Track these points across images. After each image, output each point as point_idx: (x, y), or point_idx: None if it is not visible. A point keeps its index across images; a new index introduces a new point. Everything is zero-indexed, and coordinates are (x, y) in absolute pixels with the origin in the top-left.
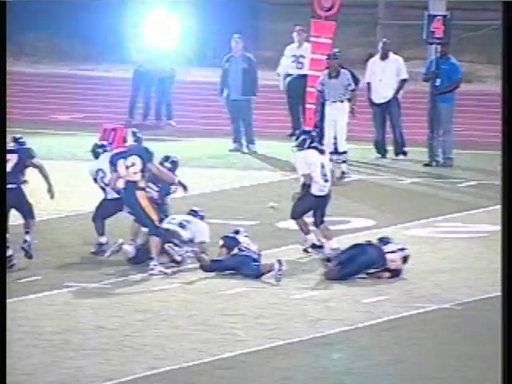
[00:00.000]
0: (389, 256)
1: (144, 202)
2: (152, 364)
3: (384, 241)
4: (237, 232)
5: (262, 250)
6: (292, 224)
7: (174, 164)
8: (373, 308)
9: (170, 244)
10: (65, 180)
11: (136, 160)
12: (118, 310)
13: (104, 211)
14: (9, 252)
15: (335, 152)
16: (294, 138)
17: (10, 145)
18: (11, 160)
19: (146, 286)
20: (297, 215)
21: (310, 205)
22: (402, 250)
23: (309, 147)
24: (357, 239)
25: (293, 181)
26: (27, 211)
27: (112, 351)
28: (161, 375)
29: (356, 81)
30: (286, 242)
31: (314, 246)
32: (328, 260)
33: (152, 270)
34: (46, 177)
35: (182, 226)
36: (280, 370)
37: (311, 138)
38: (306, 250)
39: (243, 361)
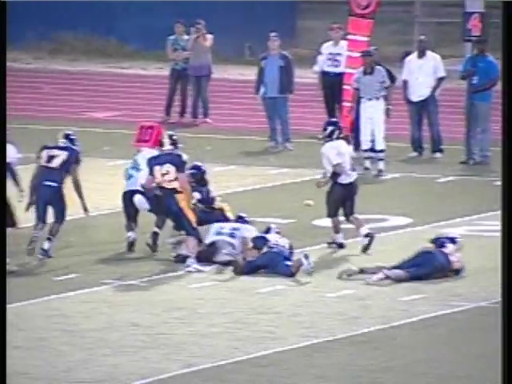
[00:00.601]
0: (452, 258)
1: (183, 205)
2: (188, 361)
3: (440, 242)
4: (268, 229)
5: (298, 247)
6: (328, 222)
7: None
8: (410, 306)
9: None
10: (101, 177)
11: (170, 169)
12: (154, 307)
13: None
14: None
15: (373, 150)
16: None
17: (61, 141)
18: (60, 156)
19: (183, 284)
20: (333, 211)
21: (339, 195)
22: (455, 241)
23: (337, 138)
24: (394, 237)
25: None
26: (60, 212)
27: (148, 349)
28: (197, 373)
29: (392, 78)
30: (322, 240)
31: (340, 246)
32: (361, 272)
33: (188, 266)
34: (79, 193)
35: (232, 235)
36: (316, 368)
37: (339, 128)
38: (341, 245)
39: (279, 359)
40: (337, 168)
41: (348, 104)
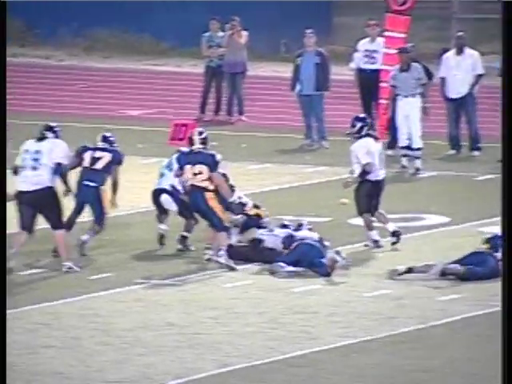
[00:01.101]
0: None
1: (212, 203)
2: (223, 361)
3: (494, 242)
4: (300, 225)
5: (334, 246)
6: (362, 221)
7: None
8: (447, 306)
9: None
10: (135, 176)
11: (203, 168)
12: (188, 306)
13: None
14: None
15: (409, 148)
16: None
17: (100, 144)
18: (104, 158)
19: (218, 283)
20: (363, 209)
21: (368, 191)
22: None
23: (366, 135)
24: (431, 236)
25: None
26: (99, 213)
27: (183, 348)
28: (232, 373)
29: (429, 75)
30: (358, 239)
31: (375, 243)
32: (410, 271)
33: (220, 257)
34: (115, 190)
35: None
36: (353, 369)
37: (367, 125)
38: (376, 243)
39: (315, 359)
40: (367, 167)
41: (384, 101)
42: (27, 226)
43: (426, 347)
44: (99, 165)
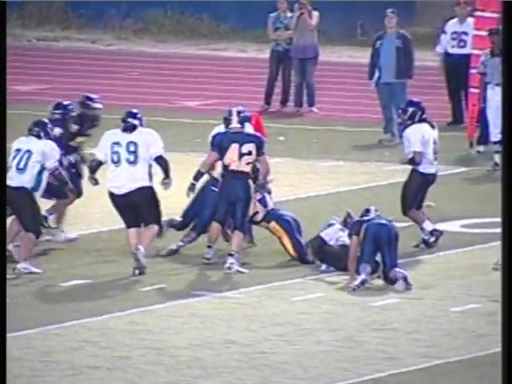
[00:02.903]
0: None
1: (252, 194)
2: None
3: None
4: (367, 211)
5: (419, 255)
6: (451, 226)
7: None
8: None
9: None
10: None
11: (253, 149)
12: (251, 322)
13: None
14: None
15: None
16: (402, 112)
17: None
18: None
19: (284, 296)
20: (410, 204)
21: (418, 184)
22: None
23: (420, 120)
24: None
25: (451, 176)
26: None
27: (245, 369)
28: None
29: None
30: (444, 247)
31: (432, 233)
32: None
33: (230, 268)
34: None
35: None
36: None
37: (421, 110)
38: (436, 233)
39: (396, 382)
40: (416, 156)
41: (476, 91)
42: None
43: None
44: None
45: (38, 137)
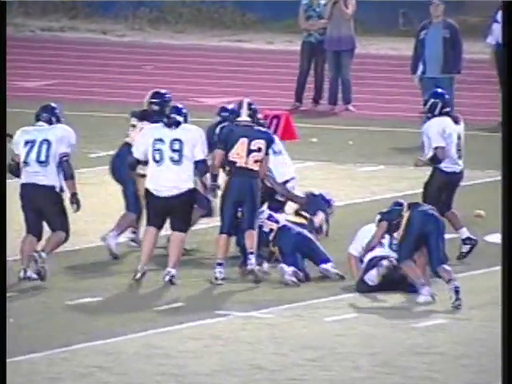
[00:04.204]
0: None
1: (259, 194)
2: None
3: None
4: (399, 204)
5: (465, 271)
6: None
7: None
8: None
9: None
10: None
11: (262, 145)
12: (280, 345)
13: None
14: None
15: None
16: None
17: None
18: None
19: (316, 316)
20: (431, 204)
21: (439, 184)
22: None
23: (441, 113)
24: None
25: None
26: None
27: None
28: None
29: None
30: (496, 261)
31: (466, 241)
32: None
33: (253, 271)
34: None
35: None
36: None
37: (443, 102)
38: (470, 240)
39: None
40: (439, 152)
41: None
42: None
43: None
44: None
45: (49, 123)
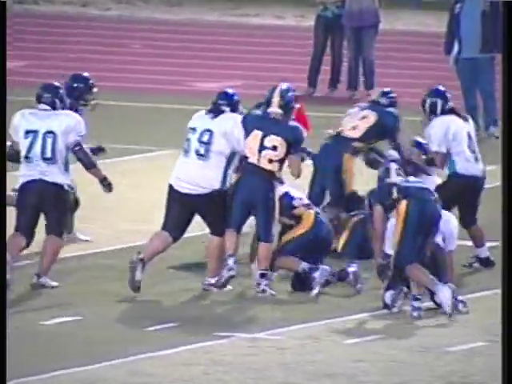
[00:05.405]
0: None
1: (276, 200)
2: None
3: None
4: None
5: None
6: None
7: None
8: None
9: None
10: None
11: (279, 143)
12: (292, 372)
13: None
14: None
15: None
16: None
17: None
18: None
19: (333, 337)
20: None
21: (454, 189)
22: None
23: (443, 112)
24: None
25: None
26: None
27: None
28: None
29: None
30: None
31: (484, 260)
32: None
33: (259, 286)
34: None
35: None
36: None
37: (444, 99)
38: (487, 262)
39: None
40: (437, 158)
41: None
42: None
43: None
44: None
45: (53, 106)
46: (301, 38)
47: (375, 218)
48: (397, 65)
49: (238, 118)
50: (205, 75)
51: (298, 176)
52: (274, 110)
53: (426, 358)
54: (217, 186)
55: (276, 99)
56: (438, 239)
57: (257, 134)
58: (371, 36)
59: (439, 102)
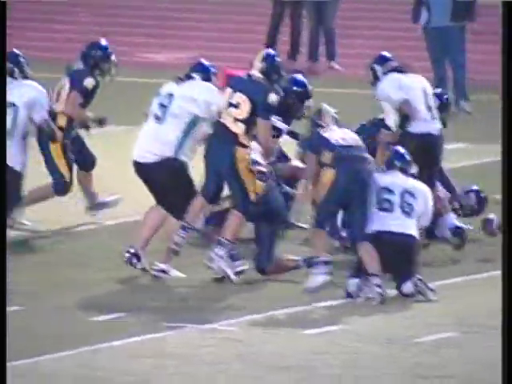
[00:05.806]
0: None
1: (242, 166)
2: None
3: None
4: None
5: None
6: None
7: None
8: None
9: None
10: None
11: (244, 100)
12: (249, 365)
13: None
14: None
15: None
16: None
17: None
18: None
19: (294, 328)
20: None
21: (412, 149)
22: None
23: (394, 70)
24: None
25: None
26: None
27: None
28: None
29: None
30: None
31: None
32: None
33: (211, 261)
34: None
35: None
36: None
37: (387, 60)
38: None
39: None
40: (405, 107)
41: None
42: None
43: None
44: None
45: (11, 75)
46: (256, 6)
47: (308, 167)
48: (360, 34)
49: (211, 86)
50: (155, 45)
51: (266, 144)
52: (256, 74)
53: (392, 350)
54: (168, 153)
55: (256, 62)
56: (412, 231)
57: (228, 90)
58: (333, 3)
59: (390, 62)
